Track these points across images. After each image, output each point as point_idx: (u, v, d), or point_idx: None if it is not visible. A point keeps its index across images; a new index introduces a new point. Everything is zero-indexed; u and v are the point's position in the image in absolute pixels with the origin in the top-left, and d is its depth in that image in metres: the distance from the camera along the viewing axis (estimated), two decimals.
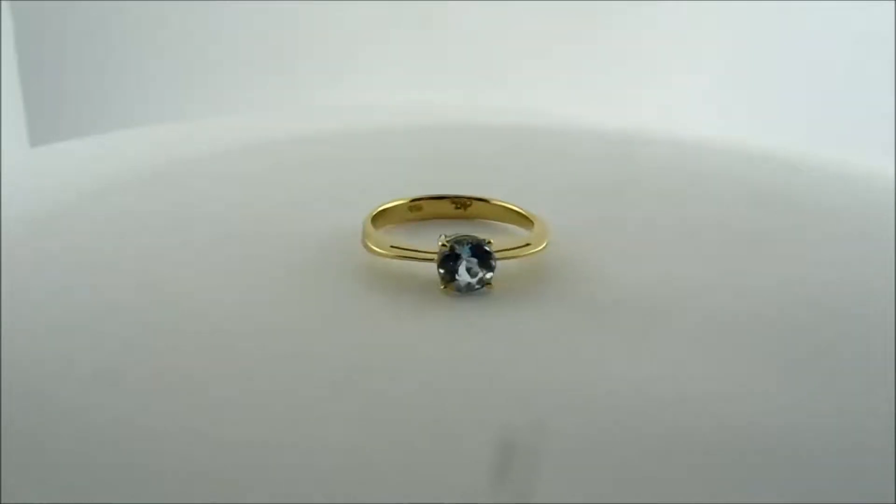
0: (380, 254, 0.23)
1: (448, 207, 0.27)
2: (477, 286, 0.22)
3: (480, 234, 0.23)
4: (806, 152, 0.39)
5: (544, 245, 0.24)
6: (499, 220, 0.27)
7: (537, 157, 0.36)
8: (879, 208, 0.31)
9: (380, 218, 0.26)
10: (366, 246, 0.24)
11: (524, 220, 0.26)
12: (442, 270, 0.23)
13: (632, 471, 0.17)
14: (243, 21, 0.60)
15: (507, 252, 0.23)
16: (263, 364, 0.20)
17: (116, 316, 0.22)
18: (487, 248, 0.23)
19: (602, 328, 0.22)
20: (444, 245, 0.23)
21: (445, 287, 0.23)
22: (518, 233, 0.27)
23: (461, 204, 0.27)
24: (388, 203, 0.27)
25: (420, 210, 0.27)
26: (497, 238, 0.24)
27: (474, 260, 0.22)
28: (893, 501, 0.16)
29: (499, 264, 0.23)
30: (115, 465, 0.17)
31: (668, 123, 0.44)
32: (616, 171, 0.34)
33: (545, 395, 0.19)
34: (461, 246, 0.22)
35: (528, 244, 0.24)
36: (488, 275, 0.22)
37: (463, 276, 0.22)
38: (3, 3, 0.57)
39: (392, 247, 0.23)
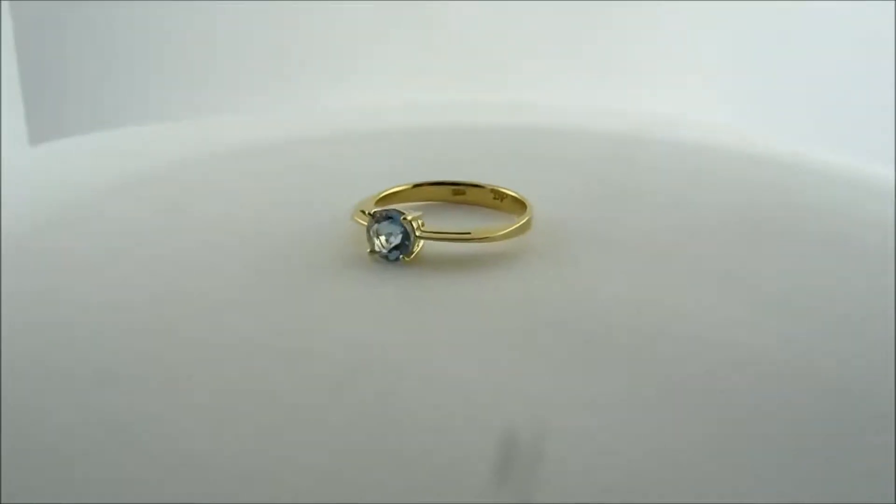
0: (354, 219, 0.26)
1: (488, 197, 0.29)
2: (391, 256, 0.25)
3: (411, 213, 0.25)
4: (806, 155, 0.39)
5: (486, 237, 0.25)
6: (515, 214, 0.28)
7: (536, 157, 0.36)
8: (880, 215, 0.30)
9: (388, 200, 0.28)
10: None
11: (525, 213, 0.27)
12: (368, 237, 0.25)
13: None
14: (243, 21, 0.60)
15: (441, 235, 0.25)
16: (263, 364, 0.20)
17: (116, 316, 0.22)
18: (405, 225, 0.24)
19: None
20: (370, 215, 0.25)
21: (370, 252, 0.25)
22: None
23: (499, 195, 0.29)
24: (393, 188, 0.29)
25: (463, 195, 0.29)
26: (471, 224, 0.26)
27: (394, 230, 0.25)
28: None
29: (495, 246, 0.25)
30: (115, 465, 0.17)
31: (670, 123, 0.44)
32: (612, 173, 0.34)
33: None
34: (384, 219, 0.25)
35: (467, 233, 0.25)
36: (408, 246, 0.25)
37: (380, 245, 0.25)
38: (3, 3, 0.57)
39: (361, 211, 0.26)
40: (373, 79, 0.61)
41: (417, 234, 0.25)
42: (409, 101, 0.49)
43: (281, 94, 0.61)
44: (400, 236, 0.25)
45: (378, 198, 0.28)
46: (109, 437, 0.18)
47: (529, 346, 0.21)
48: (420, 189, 0.29)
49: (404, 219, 0.25)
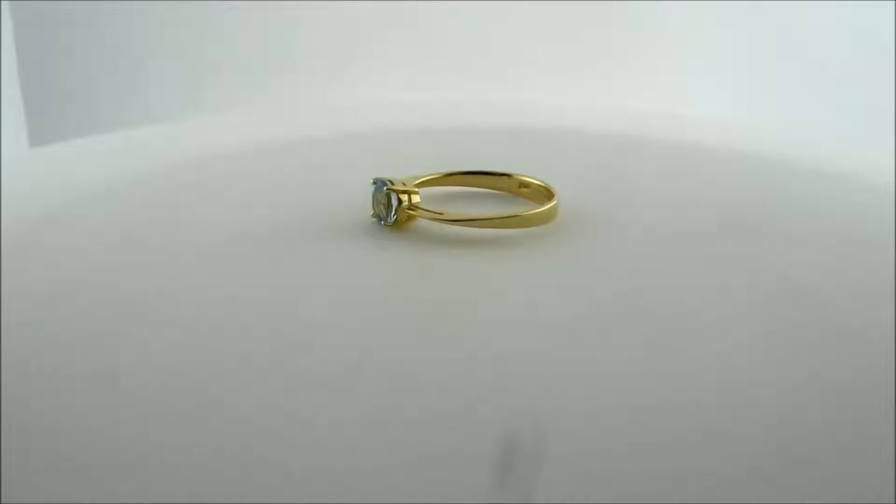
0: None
1: (543, 193, 0.29)
2: (377, 220, 0.27)
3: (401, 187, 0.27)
4: (809, 152, 0.38)
5: (459, 220, 0.27)
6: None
7: (537, 157, 0.36)
8: (882, 216, 0.30)
9: (434, 183, 0.30)
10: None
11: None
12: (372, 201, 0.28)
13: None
14: (243, 21, 0.60)
15: (422, 212, 0.27)
16: (265, 364, 0.20)
17: (116, 315, 0.22)
18: (390, 194, 0.26)
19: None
20: (373, 183, 0.27)
21: (372, 215, 0.27)
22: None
23: (549, 195, 0.29)
24: (427, 175, 0.29)
25: (528, 188, 0.30)
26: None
27: (384, 197, 0.27)
28: None
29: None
30: (115, 465, 0.17)
31: (671, 122, 0.44)
32: (613, 173, 0.34)
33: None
34: (377, 187, 0.27)
35: (441, 213, 0.27)
36: (393, 214, 0.27)
37: (379, 210, 0.27)
38: (3, 3, 0.57)
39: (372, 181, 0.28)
40: (372, 79, 0.61)
41: (403, 205, 0.26)
42: (409, 100, 0.49)
43: (281, 93, 0.61)
44: (384, 201, 0.27)
45: (422, 180, 0.29)
46: (110, 438, 0.18)
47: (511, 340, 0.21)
48: (524, 181, 0.30)
49: (389, 189, 0.26)
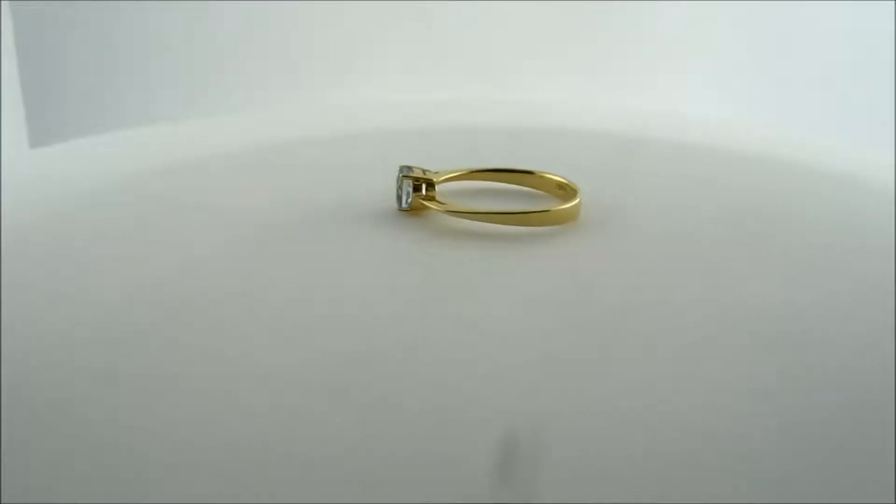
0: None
1: (571, 195, 0.29)
2: (398, 205, 0.28)
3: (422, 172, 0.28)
4: (812, 153, 0.38)
5: (457, 211, 0.27)
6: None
7: (539, 157, 0.36)
8: (881, 217, 0.30)
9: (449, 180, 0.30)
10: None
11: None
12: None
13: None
14: (243, 21, 0.60)
15: (435, 203, 0.27)
16: (264, 364, 0.20)
17: (117, 316, 0.22)
18: (404, 181, 0.27)
19: None
20: (399, 169, 0.28)
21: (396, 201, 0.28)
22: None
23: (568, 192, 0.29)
24: (452, 172, 0.30)
25: (563, 190, 0.30)
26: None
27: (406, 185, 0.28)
28: None
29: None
30: (115, 465, 0.17)
31: (672, 121, 0.44)
32: (614, 173, 0.34)
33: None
34: (400, 174, 0.28)
35: (444, 204, 0.27)
36: (408, 200, 0.28)
37: (399, 195, 0.28)
38: (3, 3, 0.57)
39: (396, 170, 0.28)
40: (372, 79, 0.61)
41: (418, 193, 0.27)
42: (409, 100, 0.48)
43: (282, 93, 0.61)
44: (406, 188, 0.28)
45: (449, 175, 0.29)
46: (110, 438, 0.18)
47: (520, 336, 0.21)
48: (562, 183, 0.30)
49: (405, 175, 0.28)
